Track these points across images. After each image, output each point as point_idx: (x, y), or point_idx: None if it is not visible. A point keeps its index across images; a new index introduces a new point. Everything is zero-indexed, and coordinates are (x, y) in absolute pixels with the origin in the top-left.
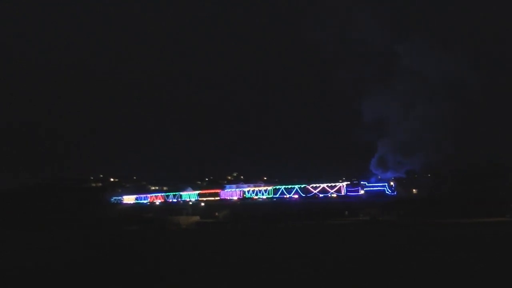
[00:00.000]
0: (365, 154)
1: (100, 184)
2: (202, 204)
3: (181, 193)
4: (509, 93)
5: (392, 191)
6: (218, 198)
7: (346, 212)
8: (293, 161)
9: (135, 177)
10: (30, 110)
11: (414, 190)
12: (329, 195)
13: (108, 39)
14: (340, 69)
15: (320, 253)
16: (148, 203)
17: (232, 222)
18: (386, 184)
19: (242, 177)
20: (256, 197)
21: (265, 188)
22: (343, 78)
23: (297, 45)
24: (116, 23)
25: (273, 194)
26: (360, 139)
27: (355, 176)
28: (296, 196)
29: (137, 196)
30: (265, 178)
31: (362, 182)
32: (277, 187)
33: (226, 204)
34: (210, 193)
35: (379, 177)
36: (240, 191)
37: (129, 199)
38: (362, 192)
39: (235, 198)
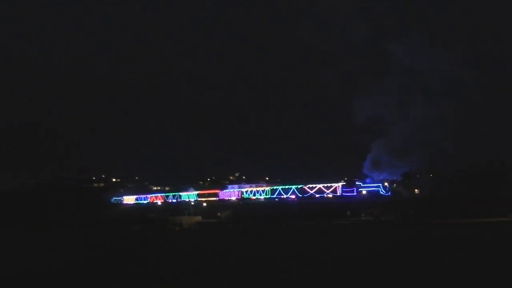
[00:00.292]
0: (365, 155)
1: (102, 185)
2: (204, 204)
3: (180, 193)
4: (509, 93)
5: (386, 192)
6: (217, 198)
7: (348, 212)
8: (293, 161)
9: (137, 177)
10: (30, 110)
11: (416, 190)
12: (325, 196)
13: (108, 39)
14: (340, 69)
15: (320, 253)
16: (148, 203)
17: (234, 222)
18: (381, 184)
19: (244, 177)
20: (254, 197)
21: (263, 188)
22: (342, 78)
23: (297, 45)
24: (116, 23)
25: (271, 195)
26: (359, 139)
27: (355, 176)
28: (293, 196)
29: (137, 196)
30: (267, 178)
31: (357, 183)
32: (275, 187)
33: (226, 204)
34: (209, 193)
35: (381, 178)
36: (239, 191)
37: (129, 199)
38: (363, 192)
39: (233, 198)
